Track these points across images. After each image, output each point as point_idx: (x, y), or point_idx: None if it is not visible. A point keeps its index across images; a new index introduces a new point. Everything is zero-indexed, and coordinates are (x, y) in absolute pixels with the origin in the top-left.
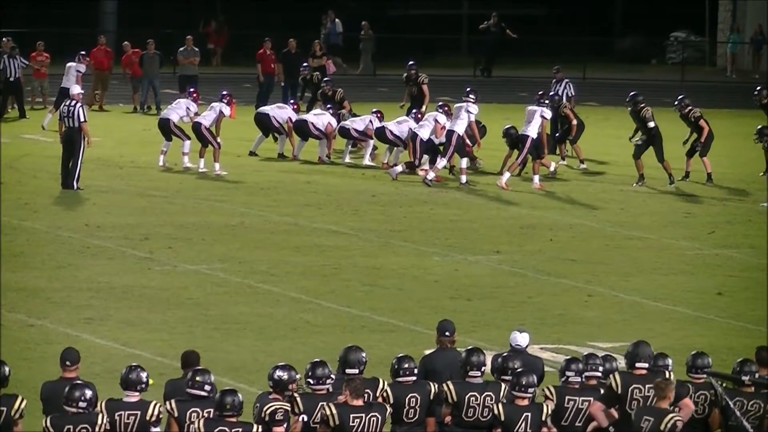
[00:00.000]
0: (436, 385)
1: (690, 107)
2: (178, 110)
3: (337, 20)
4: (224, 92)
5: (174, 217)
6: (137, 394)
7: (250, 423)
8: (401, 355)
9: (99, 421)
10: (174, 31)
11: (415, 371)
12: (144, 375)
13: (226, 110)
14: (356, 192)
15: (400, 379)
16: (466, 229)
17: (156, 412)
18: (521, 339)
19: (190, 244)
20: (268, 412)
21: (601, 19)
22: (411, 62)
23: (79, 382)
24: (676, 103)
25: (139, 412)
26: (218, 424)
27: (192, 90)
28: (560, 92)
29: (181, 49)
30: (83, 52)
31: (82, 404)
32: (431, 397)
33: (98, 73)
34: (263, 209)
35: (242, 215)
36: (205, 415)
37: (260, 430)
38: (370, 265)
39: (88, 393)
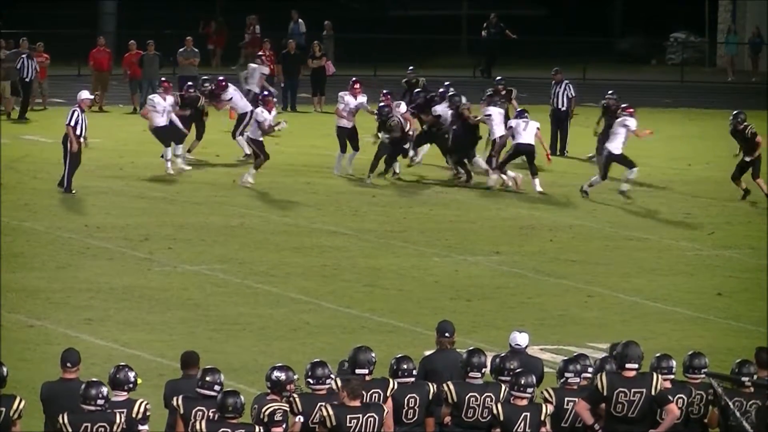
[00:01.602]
0: (435, 386)
1: (746, 123)
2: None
3: (300, 20)
4: (264, 93)
5: (174, 218)
6: (125, 393)
7: (252, 424)
8: (400, 355)
9: (117, 420)
10: (174, 31)
11: (414, 372)
12: (132, 374)
13: (266, 115)
14: (356, 193)
15: (399, 379)
16: (466, 230)
17: (143, 410)
18: (521, 339)
19: (190, 244)
20: (266, 412)
21: (600, 20)
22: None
23: (93, 380)
24: (731, 118)
25: (125, 410)
26: (221, 425)
27: (164, 80)
28: (560, 94)
29: (181, 50)
30: (261, 53)
31: (100, 401)
32: (430, 397)
33: (97, 74)
34: (263, 210)
35: (242, 216)
36: (211, 414)
37: (261, 431)
38: (370, 266)
39: (105, 390)
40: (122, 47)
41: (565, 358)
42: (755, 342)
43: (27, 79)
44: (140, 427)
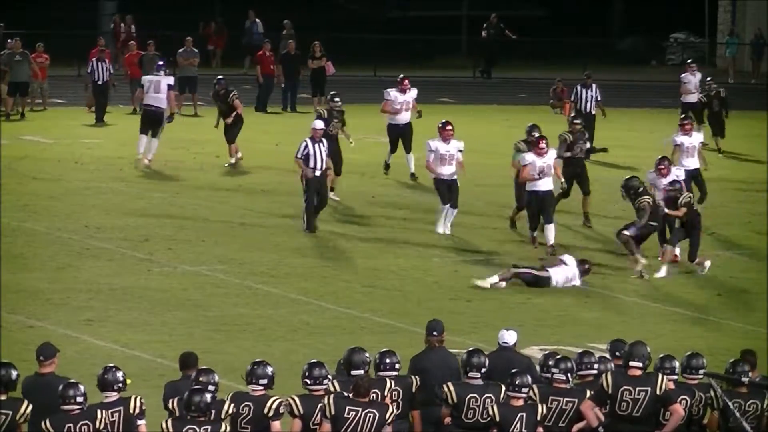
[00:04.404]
0: (418, 379)
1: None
2: None
3: (257, 20)
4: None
5: (174, 219)
6: (115, 393)
7: (218, 422)
8: (384, 350)
9: (99, 416)
10: (173, 32)
11: (397, 366)
12: (120, 374)
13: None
14: (356, 193)
15: (382, 373)
16: (466, 231)
17: (139, 404)
18: (508, 337)
19: (190, 245)
20: (273, 406)
21: (600, 21)
22: (220, 77)
23: (71, 381)
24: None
25: (122, 408)
26: (186, 423)
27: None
28: (590, 97)
29: (181, 50)
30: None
31: (79, 399)
32: (413, 390)
33: None
34: (263, 210)
35: (242, 216)
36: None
37: (228, 428)
38: (369, 267)
39: (82, 388)
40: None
41: (558, 356)
42: (755, 342)
43: (99, 83)
44: (138, 422)
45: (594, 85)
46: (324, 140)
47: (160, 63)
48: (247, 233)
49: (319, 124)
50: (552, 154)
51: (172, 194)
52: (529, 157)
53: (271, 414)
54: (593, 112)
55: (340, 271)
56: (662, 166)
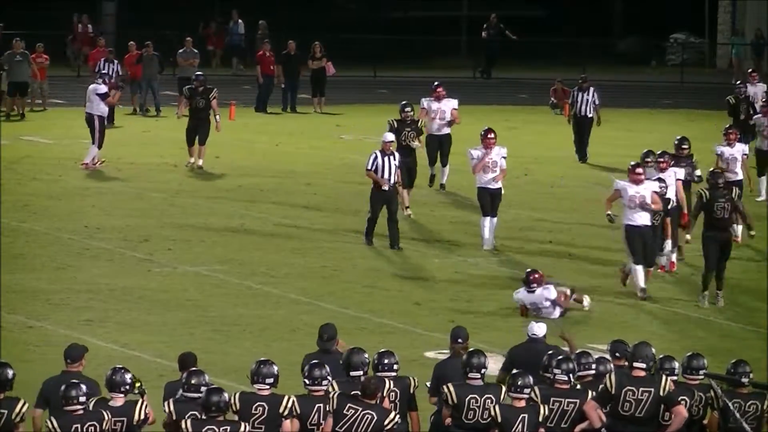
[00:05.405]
0: (416, 379)
1: None
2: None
3: (239, 21)
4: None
5: (173, 219)
6: (122, 395)
7: (237, 422)
8: (382, 350)
9: (106, 417)
10: (173, 32)
11: (395, 366)
12: (128, 376)
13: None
14: (355, 194)
15: (380, 374)
16: (466, 230)
17: (143, 414)
18: (537, 329)
19: (190, 245)
20: (288, 405)
21: (600, 21)
22: (199, 73)
23: (74, 381)
24: None
25: (125, 419)
26: (206, 423)
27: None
28: (587, 100)
29: (181, 50)
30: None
31: (81, 399)
32: (411, 390)
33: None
34: (263, 211)
35: (242, 217)
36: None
37: (248, 428)
38: (369, 267)
39: (84, 387)
40: (122, 48)
41: (560, 356)
42: (756, 343)
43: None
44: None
45: (591, 89)
46: (395, 153)
47: (104, 71)
48: (246, 234)
49: (389, 137)
50: (650, 185)
51: (172, 194)
52: (622, 183)
53: (286, 413)
54: (590, 116)
55: (340, 271)
56: (662, 160)
